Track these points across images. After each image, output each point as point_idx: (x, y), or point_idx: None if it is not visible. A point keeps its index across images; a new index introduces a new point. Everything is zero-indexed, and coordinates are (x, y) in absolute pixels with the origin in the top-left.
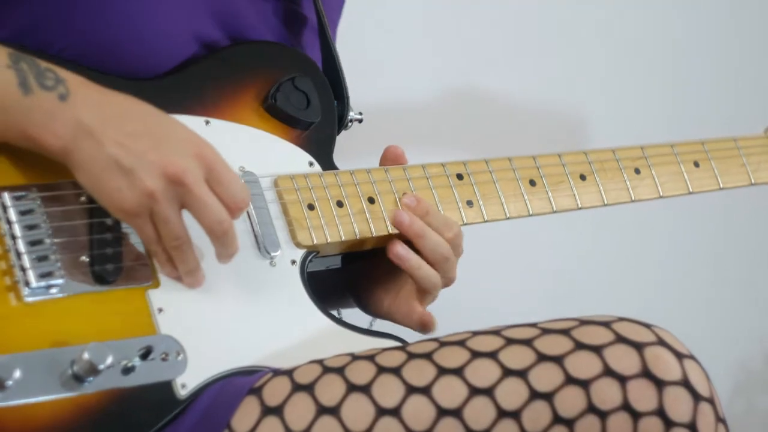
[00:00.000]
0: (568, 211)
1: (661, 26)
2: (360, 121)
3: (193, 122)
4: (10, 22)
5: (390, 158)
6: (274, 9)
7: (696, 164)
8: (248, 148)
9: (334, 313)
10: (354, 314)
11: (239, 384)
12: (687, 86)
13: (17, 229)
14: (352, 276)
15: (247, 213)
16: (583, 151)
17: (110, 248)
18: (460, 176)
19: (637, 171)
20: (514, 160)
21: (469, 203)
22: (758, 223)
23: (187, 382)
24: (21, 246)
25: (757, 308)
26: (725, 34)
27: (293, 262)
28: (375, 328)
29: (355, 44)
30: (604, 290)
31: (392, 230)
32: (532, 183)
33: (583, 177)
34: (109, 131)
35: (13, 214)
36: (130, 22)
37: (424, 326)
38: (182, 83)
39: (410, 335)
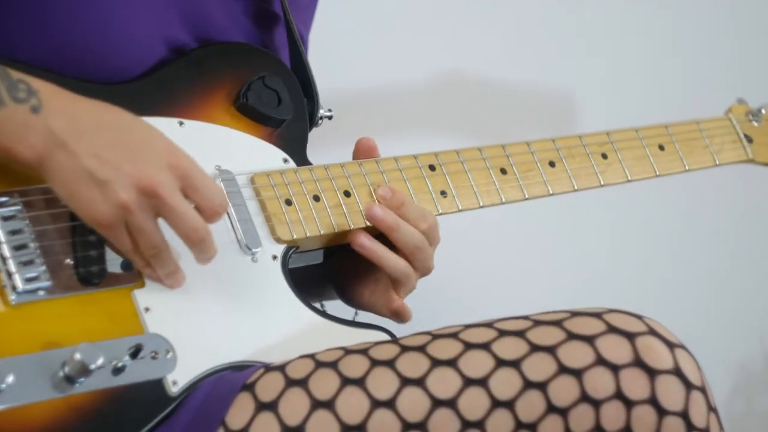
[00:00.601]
0: (540, 197)
1: (652, 18)
2: (330, 117)
3: (166, 124)
4: None
5: (362, 150)
6: (244, 9)
7: (661, 147)
8: (223, 147)
9: (318, 306)
10: (339, 306)
11: (231, 380)
12: (681, 76)
13: (1, 235)
14: (333, 269)
15: (227, 211)
16: (551, 138)
17: (94, 250)
18: (432, 167)
19: (604, 156)
20: (484, 150)
21: (443, 193)
22: (758, 223)
23: (177, 379)
24: (5, 251)
25: (757, 308)
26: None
27: (274, 257)
28: (360, 319)
29: (325, 38)
30: (602, 290)
31: (369, 222)
32: (503, 171)
33: (552, 164)
34: (83, 143)
35: None
36: (101, 29)
37: (396, 315)
38: (154, 86)
39: (395, 326)
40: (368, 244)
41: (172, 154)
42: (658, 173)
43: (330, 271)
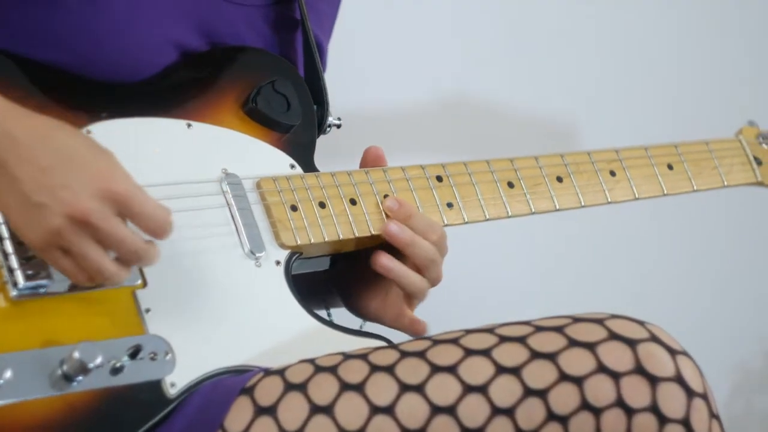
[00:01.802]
0: (547, 212)
1: (651, 30)
2: (338, 126)
3: (175, 125)
4: (6, 22)
5: (370, 159)
6: (264, 15)
7: (670, 167)
8: (230, 150)
9: (322, 312)
10: (342, 315)
11: (230, 384)
12: (680, 89)
13: (4, 231)
14: (339, 277)
15: (231, 215)
16: (559, 153)
17: None
18: (439, 178)
19: (613, 173)
20: (492, 163)
21: (449, 205)
22: (758, 223)
23: (176, 381)
24: (8, 247)
25: (756, 308)
26: (712, 36)
27: (278, 262)
28: (363, 328)
29: (341, 47)
30: (602, 290)
31: (374, 231)
32: (510, 185)
33: (560, 179)
34: (23, 165)
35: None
36: (114, 37)
37: (416, 333)
38: (164, 88)
39: (397, 336)
40: (392, 266)
41: (109, 179)
42: (666, 192)
43: (336, 278)
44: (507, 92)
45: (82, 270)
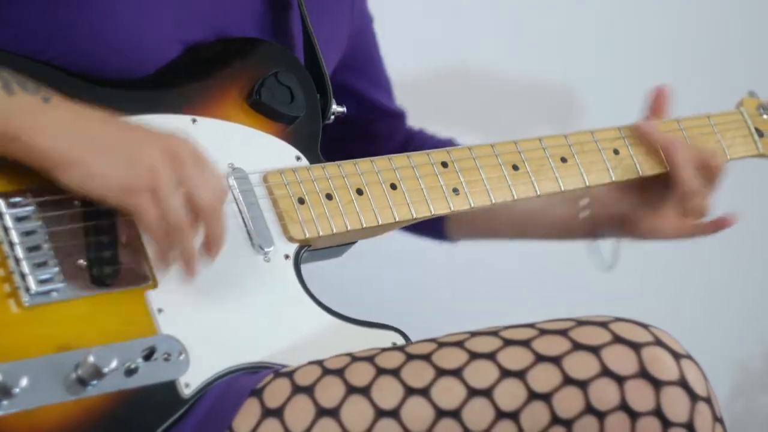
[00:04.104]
0: (552, 194)
1: (661, 11)
2: (342, 113)
3: (179, 121)
4: (12, 21)
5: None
6: (267, 1)
7: None
8: (236, 144)
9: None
10: (350, 307)
11: (242, 385)
12: (681, 66)
13: (14, 236)
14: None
15: (239, 209)
16: (563, 133)
17: (107, 251)
18: (444, 164)
19: (616, 151)
20: (496, 146)
21: (455, 191)
22: (758, 223)
23: (190, 381)
24: (19, 252)
25: (757, 308)
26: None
27: (287, 256)
28: (374, 319)
29: None
30: (603, 290)
31: (381, 221)
32: (515, 168)
33: (564, 159)
34: (96, 128)
35: (9, 221)
36: (119, 37)
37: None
38: (167, 83)
39: (410, 327)
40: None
41: (177, 140)
42: (668, 169)
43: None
44: (511, 72)
45: (165, 216)
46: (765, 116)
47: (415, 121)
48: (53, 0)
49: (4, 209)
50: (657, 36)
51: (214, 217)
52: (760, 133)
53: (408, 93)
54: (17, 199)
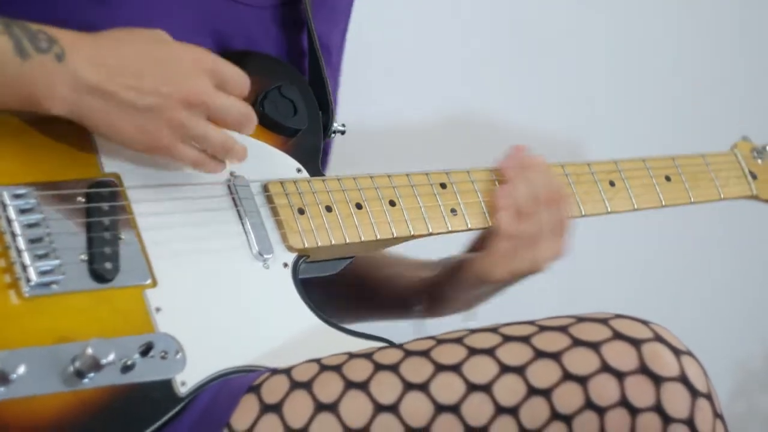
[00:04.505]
0: None
1: (650, 45)
2: (342, 132)
3: None
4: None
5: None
6: (272, 16)
7: (668, 178)
8: None
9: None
10: None
11: (238, 382)
12: (677, 102)
13: (17, 227)
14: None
15: (240, 216)
16: (560, 163)
17: (108, 247)
18: (443, 185)
19: (612, 183)
20: (494, 172)
21: (453, 211)
22: (759, 223)
23: (186, 380)
24: (21, 243)
25: (757, 308)
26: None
27: (285, 265)
28: (371, 328)
29: (346, 55)
30: (603, 289)
31: (380, 235)
32: None
33: None
34: (115, 80)
35: (12, 212)
36: None
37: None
38: None
39: (399, 338)
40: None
41: (198, 59)
42: (663, 203)
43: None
44: (510, 104)
45: (211, 150)
46: (759, 161)
47: (418, 165)
48: (54, 5)
49: (8, 201)
50: (654, 73)
51: (249, 121)
52: (754, 176)
53: (412, 138)
54: (21, 191)
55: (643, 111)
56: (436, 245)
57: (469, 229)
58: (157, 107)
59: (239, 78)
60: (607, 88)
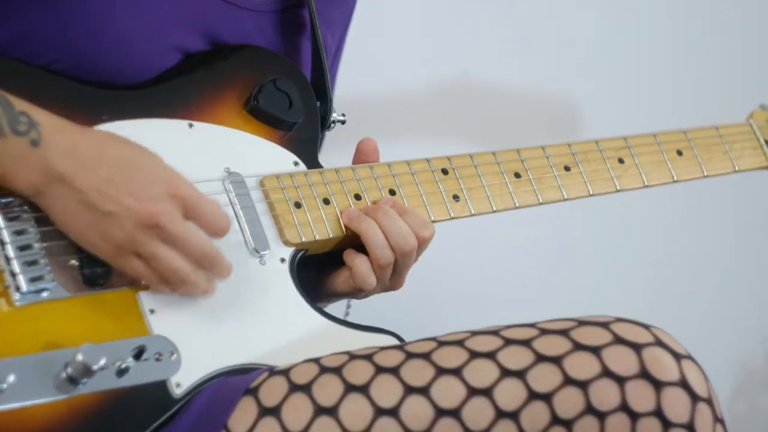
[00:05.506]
0: (555, 202)
1: (660, 17)
2: (343, 122)
3: (176, 125)
4: (10, 24)
5: (364, 151)
6: (272, 20)
7: (679, 153)
8: (232, 149)
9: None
10: (356, 312)
11: (235, 383)
12: (688, 75)
13: (6, 235)
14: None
15: (235, 213)
16: (567, 142)
17: None
18: (445, 171)
19: (621, 161)
20: (498, 154)
21: (456, 197)
22: (759, 223)
23: (181, 381)
24: (10, 251)
25: (757, 308)
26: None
27: (282, 260)
28: (371, 323)
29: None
30: (604, 290)
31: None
32: (517, 176)
33: (567, 168)
34: (84, 177)
35: (0, 221)
36: (119, 47)
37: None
38: (165, 89)
39: (404, 330)
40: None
41: (171, 182)
42: (675, 179)
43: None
44: (513, 83)
45: (155, 272)
46: None
47: (417, 133)
48: (54, 2)
49: None
50: (660, 46)
51: (213, 264)
52: None
53: (410, 105)
54: (9, 200)
55: (654, 86)
56: (439, 233)
57: (472, 215)
58: (115, 216)
59: (214, 217)
60: (614, 61)
